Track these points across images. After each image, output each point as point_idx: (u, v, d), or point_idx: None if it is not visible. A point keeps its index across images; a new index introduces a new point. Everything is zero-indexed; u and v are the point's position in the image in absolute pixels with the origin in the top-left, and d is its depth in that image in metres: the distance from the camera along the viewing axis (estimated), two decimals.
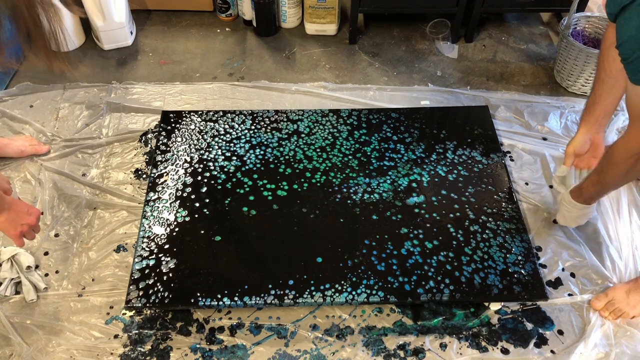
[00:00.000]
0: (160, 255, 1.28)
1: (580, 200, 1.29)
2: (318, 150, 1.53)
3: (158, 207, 1.38)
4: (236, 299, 1.21)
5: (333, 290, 1.23)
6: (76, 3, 0.99)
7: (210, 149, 1.53)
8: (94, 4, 1.83)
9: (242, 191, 1.42)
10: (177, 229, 1.34)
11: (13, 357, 1.16)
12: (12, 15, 0.82)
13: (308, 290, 1.23)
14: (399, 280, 1.24)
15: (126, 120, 1.67)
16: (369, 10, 1.95)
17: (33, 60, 0.95)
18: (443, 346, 1.20)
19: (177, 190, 1.42)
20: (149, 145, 1.60)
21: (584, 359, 1.18)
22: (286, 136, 1.57)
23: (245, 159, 1.51)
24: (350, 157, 1.52)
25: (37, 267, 1.31)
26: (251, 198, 1.41)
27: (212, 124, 1.60)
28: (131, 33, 1.95)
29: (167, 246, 1.30)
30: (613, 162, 1.11)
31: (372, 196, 1.42)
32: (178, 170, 1.47)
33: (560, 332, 1.22)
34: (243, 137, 1.57)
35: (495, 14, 2.11)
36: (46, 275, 1.30)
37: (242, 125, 1.60)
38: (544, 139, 1.63)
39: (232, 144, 1.55)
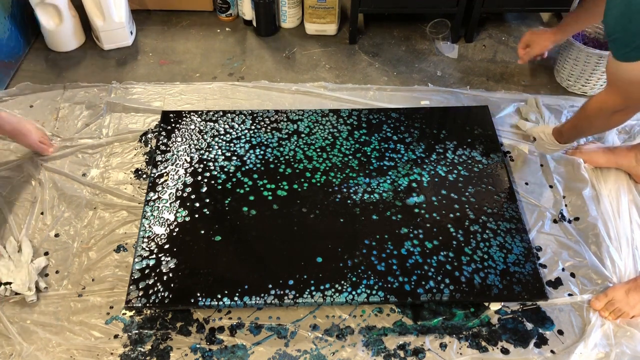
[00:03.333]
0: (160, 255, 1.28)
1: (561, 141, 1.47)
2: (318, 150, 1.53)
3: (158, 207, 1.38)
4: (236, 299, 1.21)
5: (333, 290, 1.23)
6: None
7: (210, 149, 1.53)
8: (94, 4, 1.83)
9: (242, 191, 1.42)
10: (177, 229, 1.34)
11: (13, 357, 1.16)
12: None
13: (308, 290, 1.23)
14: (399, 280, 1.24)
15: (126, 120, 1.67)
16: (369, 10, 1.95)
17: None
18: (443, 346, 1.20)
19: (177, 190, 1.42)
20: (149, 145, 1.60)
21: (584, 359, 1.18)
22: (286, 136, 1.57)
23: (245, 159, 1.51)
24: (350, 157, 1.52)
25: None
26: (251, 198, 1.41)
27: (212, 124, 1.60)
28: (131, 33, 1.95)
29: (167, 246, 1.30)
30: (586, 116, 1.30)
31: (372, 196, 1.42)
32: (178, 170, 1.47)
33: (560, 332, 1.22)
34: (243, 137, 1.57)
35: (495, 14, 2.11)
36: (46, 275, 1.30)
37: (242, 125, 1.60)
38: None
39: (232, 144, 1.55)
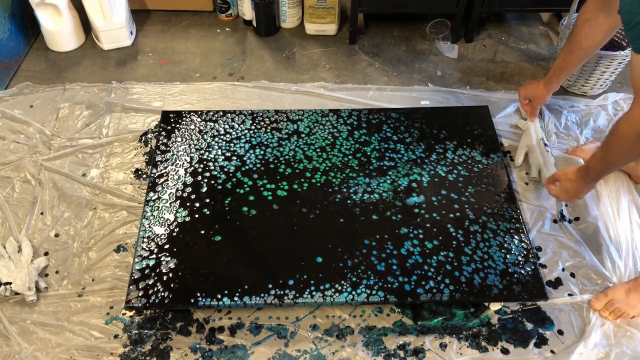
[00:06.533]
0: (160, 255, 1.28)
1: (588, 179, 1.27)
2: (318, 150, 1.53)
3: (158, 207, 1.38)
4: (236, 299, 1.21)
5: (333, 290, 1.23)
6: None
7: (210, 149, 1.53)
8: (94, 4, 1.83)
9: (242, 191, 1.42)
10: (177, 229, 1.34)
11: (13, 357, 1.16)
12: None
13: (308, 290, 1.23)
14: (399, 280, 1.24)
15: (126, 120, 1.67)
16: (369, 10, 1.95)
17: None
18: (443, 346, 1.20)
19: (177, 190, 1.42)
20: (149, 145, 1.60)
21: (584, 359, 1.18)
22: (286, 136, 1.57)
23: (245, 159, 1.51)
24: (350, 157, 1.52)
25: None
26: (251, 198, 1.41)
27: (212, 124, 1.60)
28: (131, 33, 1.95)
29: (167, 246, 1.30)
30: (617, 137, 1.12)
31: (372, 196, 1.42)
32: (178, 170, 1.47)
33: (560, 332, 1.22)
34: (243, 137, 1.57)
35: (495, 14, 2.11)
36: (46, 275, 1.30)
37: (242, 125, 1.60)
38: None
39: (232, 144, 1.55)
